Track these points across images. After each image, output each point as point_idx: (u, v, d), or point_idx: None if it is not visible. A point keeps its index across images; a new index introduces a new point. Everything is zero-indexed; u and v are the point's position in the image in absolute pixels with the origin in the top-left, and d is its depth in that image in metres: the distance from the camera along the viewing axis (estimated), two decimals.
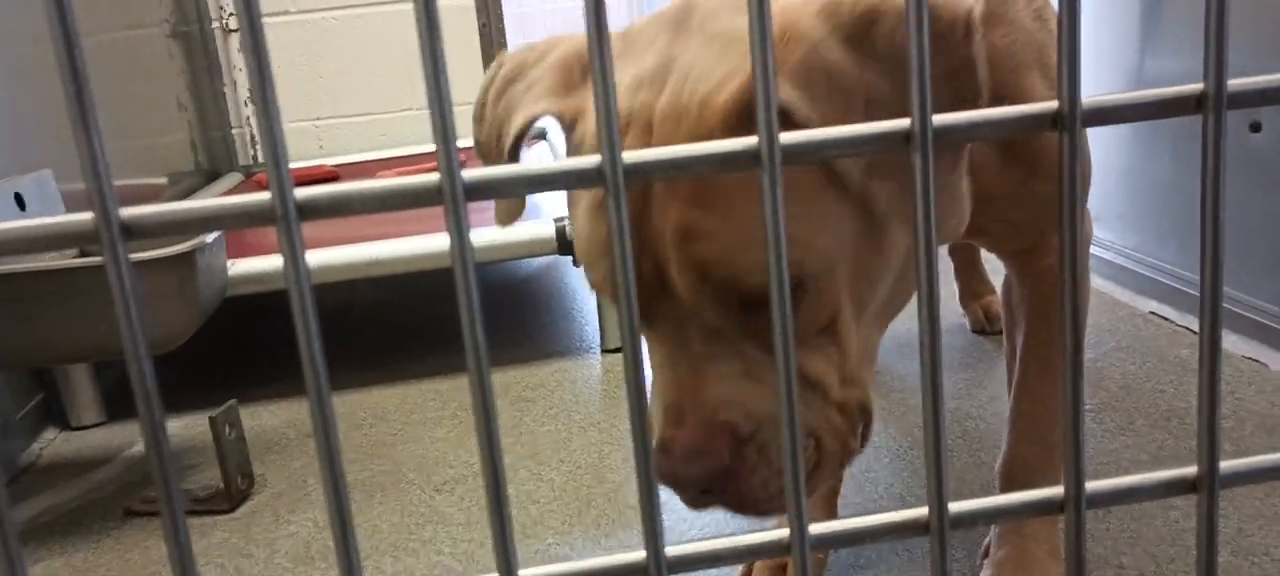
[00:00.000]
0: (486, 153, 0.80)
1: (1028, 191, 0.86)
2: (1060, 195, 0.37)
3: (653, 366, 0.71)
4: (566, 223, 1.79)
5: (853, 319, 0.69)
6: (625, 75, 0.68)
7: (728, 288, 0.64)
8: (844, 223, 0.66)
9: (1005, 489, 1.00)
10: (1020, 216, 0.89)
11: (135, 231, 0.33)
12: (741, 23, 0.67)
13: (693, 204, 0.63)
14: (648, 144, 0.65)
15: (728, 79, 0.63)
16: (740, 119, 0.62)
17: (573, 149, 0.72)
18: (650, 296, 0.67)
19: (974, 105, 0.62)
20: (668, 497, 1.38)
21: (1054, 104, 0.38)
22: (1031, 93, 0.82)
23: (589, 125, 0.70)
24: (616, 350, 1.85)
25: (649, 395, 0.70)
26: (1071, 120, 0.37)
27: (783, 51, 0.62)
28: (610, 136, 0.33)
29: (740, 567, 1.07)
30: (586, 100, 0.71)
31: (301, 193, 0.32)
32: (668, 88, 0.65)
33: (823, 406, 0.68)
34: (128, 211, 0.33)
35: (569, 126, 0.72)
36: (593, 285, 0.73)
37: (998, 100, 0.79)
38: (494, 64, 0.81)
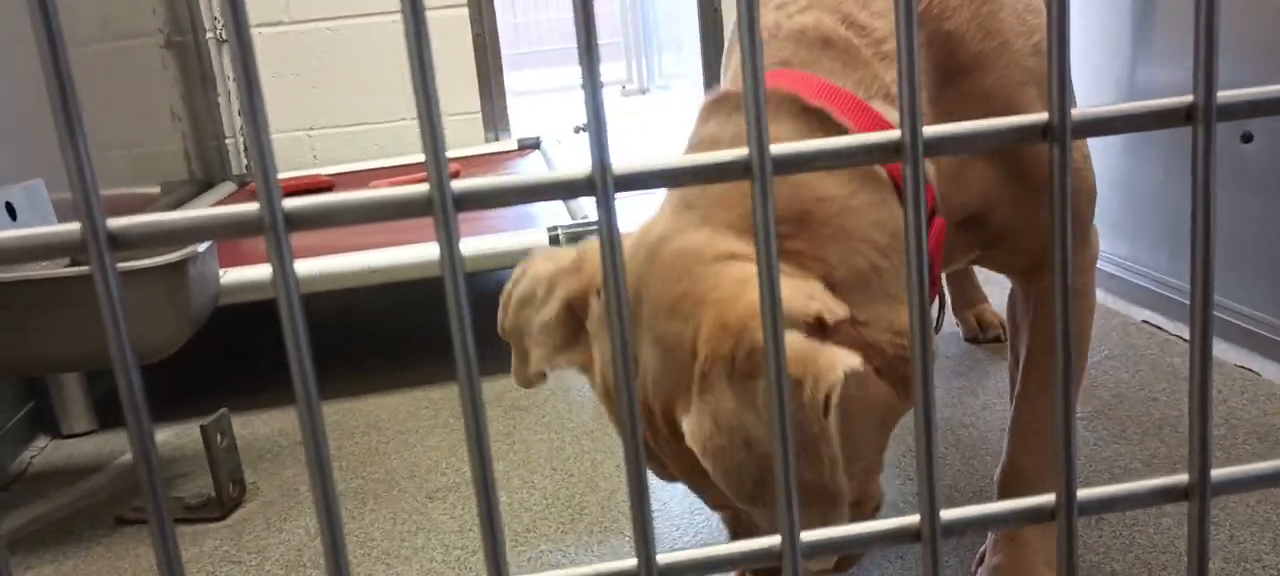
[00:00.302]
0: (508, 339, 0.90)
1: (1030, 213, 0.89)
2: (1052, 205, 0.37)
3: None
4: (559, 232, 1.79)
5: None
6: (608, 341, 0.75)
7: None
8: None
9: (1002, 497, 1.00)
10: (1029, 242, 0.92)
11: (122, 242, 0.33)
12: (664, 330, 0.74)
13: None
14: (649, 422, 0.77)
15: (670, 397, 0.73)
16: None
17: (596, 387, 0.82)
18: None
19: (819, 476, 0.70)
20: (660, 505, 1.37)
21: (1044, 116, 0.38)
22: (1030, 108, 0.84)
23: (604, 364, 0.79)
24: None
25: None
26: (1062, 131, 0.37)
27: (692, 380, 0.71)
28: (601, 149, 0.33)
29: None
30: (594, 346, 0.81)
31: (289, 203, 0.32)
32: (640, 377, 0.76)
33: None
34: (115, 222, 0.33)
35: (585, 369, 0.82)
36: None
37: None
38: (517, 269, 0.88)
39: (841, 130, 0.76)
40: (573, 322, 0.82)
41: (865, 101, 0.79)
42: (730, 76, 0.96)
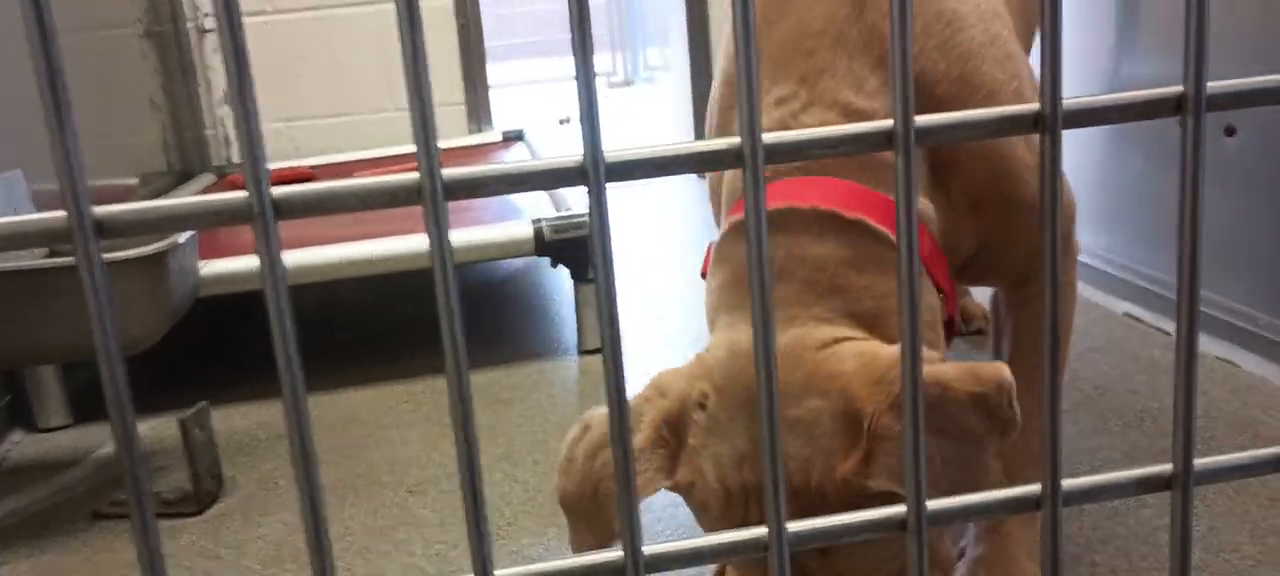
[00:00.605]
0: (573, 506, 0.83)
1: (1013, 233, 0.93)
2: (1042, 194, 0.37)
3: None
4: (544, 224, 1.78)
5: None
6: (724, 448, 0.77)
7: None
8: None
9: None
10: (1007, 256, 0.95)
11: (108, 229, 0.32)
12: (799, 412, 0.76)
13: None
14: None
15: (827, 464, 0.74)
16: (855, 493, 0.74)
17: (696, 507, 0.81)
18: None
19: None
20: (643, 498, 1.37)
21: (1036, 106, 0.38)
22: (1022, 160, 0.91)
23: (707, 482, 0.78)
24: (594, 351, 1.84)
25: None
26: (1053, 121, 0.37)
27: (873, 444, 0.72)
28: (593, 138, 0.32)
29: (713, 567, 1.07)
30: (691, 464, 0.79)
31: (278, 191, 0.32)
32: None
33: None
34: (101, 209, 0.33)
35: (686, 491, 0.80)
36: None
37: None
38: (580, 423, 0.83)
39: (886, 241, 0.82)
40: (668, 444, 0.80)
41: (891, 198, 0.83)
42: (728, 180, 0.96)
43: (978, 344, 1.70)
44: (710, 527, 0.81)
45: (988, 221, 0.91)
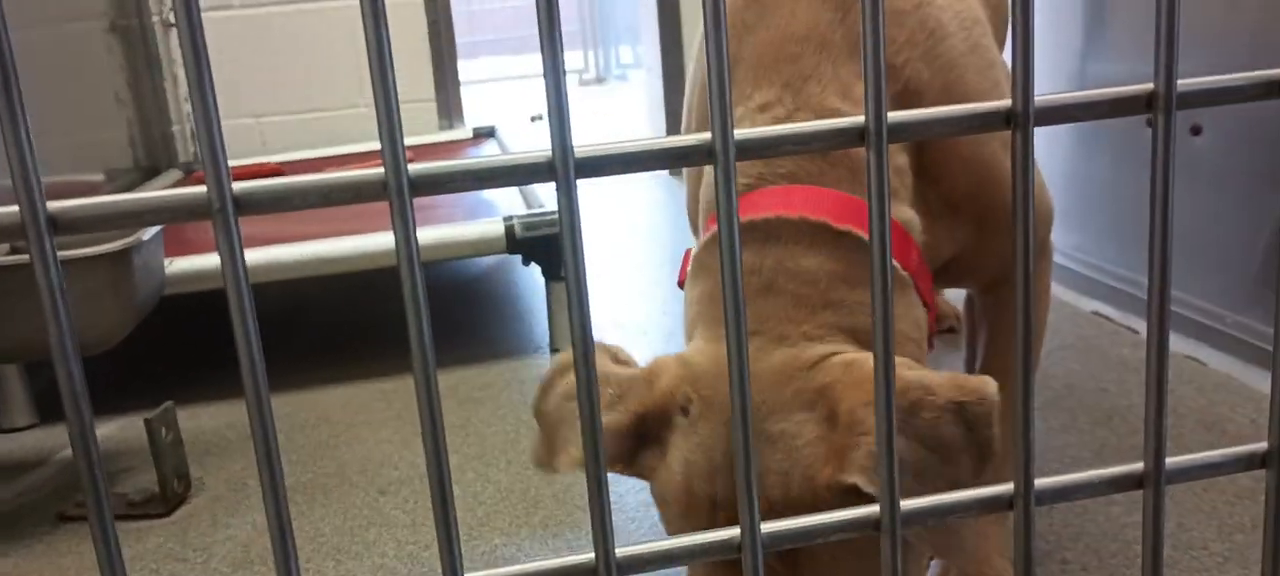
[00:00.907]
0: (543, 423, 0.86)
1: (989, 246, 0.93)
2: (1014, 189, 0.37)
3: None
4: (515, 221, 1.78)
5: None
6: (699, 458, 0.76)
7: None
8: None
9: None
10: (988, 264, 0.96)
11: (63, 225, 0.31)
12: (783, 426, 0.75)
13: None
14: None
15: (806, 475, 0.73)
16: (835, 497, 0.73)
17: (658, 500, 0.81)
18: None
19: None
20: (616, 498, 1.37)
21: (1007, 102, 0.38)
22: (1002, 163, 0.90)
23: (675, 480, 0.77)
24: None
25: None
26: (1025, 118, 0.37)
27: (848, 439, 0.71)
28: (562, 133, 0.32)
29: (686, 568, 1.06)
30: (665, 462, 0.79)
31: (240, 186, 0.31)
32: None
33: None
34: (56, 204, 0.32)
35: (652, 479, 0.80)
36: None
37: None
38: (556, 363, 0.85)
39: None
40: (638, 434, 0.81)
41: None
42: (705, 185, 0.95)
43: (949, 343, 1.71)
44: (670, 527, 0.81)
45: (966, 226, 0.91)
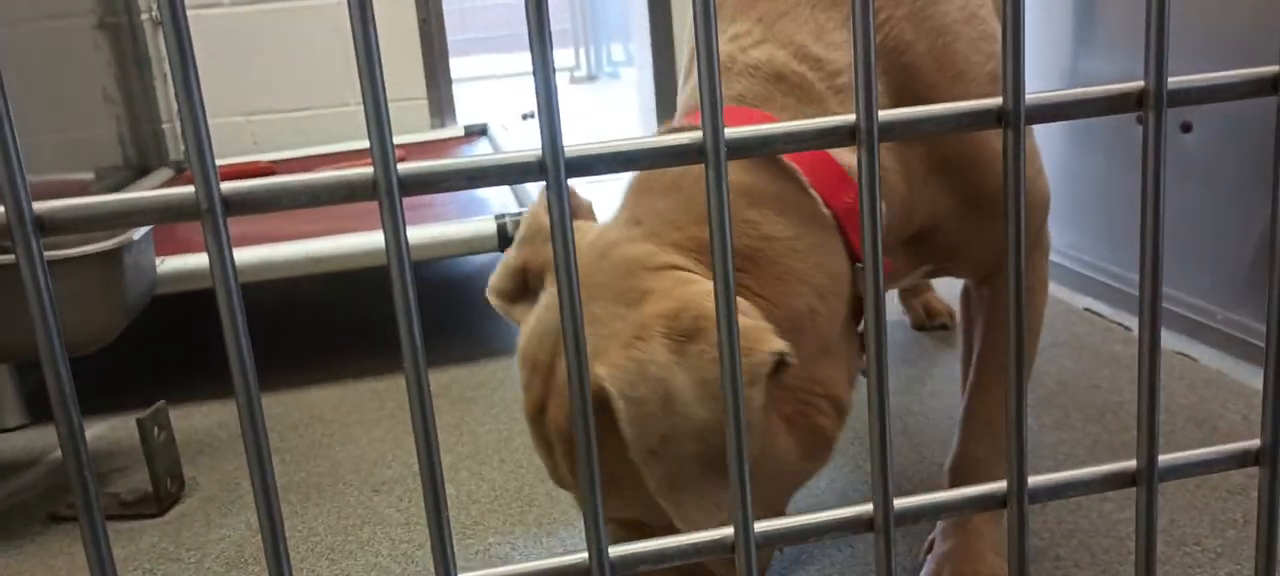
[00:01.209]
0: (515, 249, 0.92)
1: (987, 234, 0.90)
2: (1006, 188, 0.36)
3: None
4: (508, 219, 1.77)
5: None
6: (543, 318, 0.80)
7: None
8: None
9: (953, 485, 1.01)
10: (981, 253, 0.93)
11: (50, 226, 0.31)
12: (597, 310, 0.75)
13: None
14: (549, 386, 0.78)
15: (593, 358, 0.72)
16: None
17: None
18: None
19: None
20: None
21: (997, 100, 0.38)
22: (986, 138, 0.87)
23: (529, 332, 0.81)
24: None
25: None
26: (1016, 116, 0.37)
27: (624, 338, 0.72)
28: (553, 132, 0.32)
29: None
30: (526, 315, 0.85)
31: (228, 186, 0.31)
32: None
33: None
34: (42, 205, 0.31)
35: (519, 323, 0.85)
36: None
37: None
38: (530, 214, 0.92)
39: (796, 181, 0.78)
40: (522, 283, 0.87)
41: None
42: (688, 92, 0.95)
43: (943, 338, 1.71)
44: (523, 381, 0.83)
45: (949, 199, 0.88)
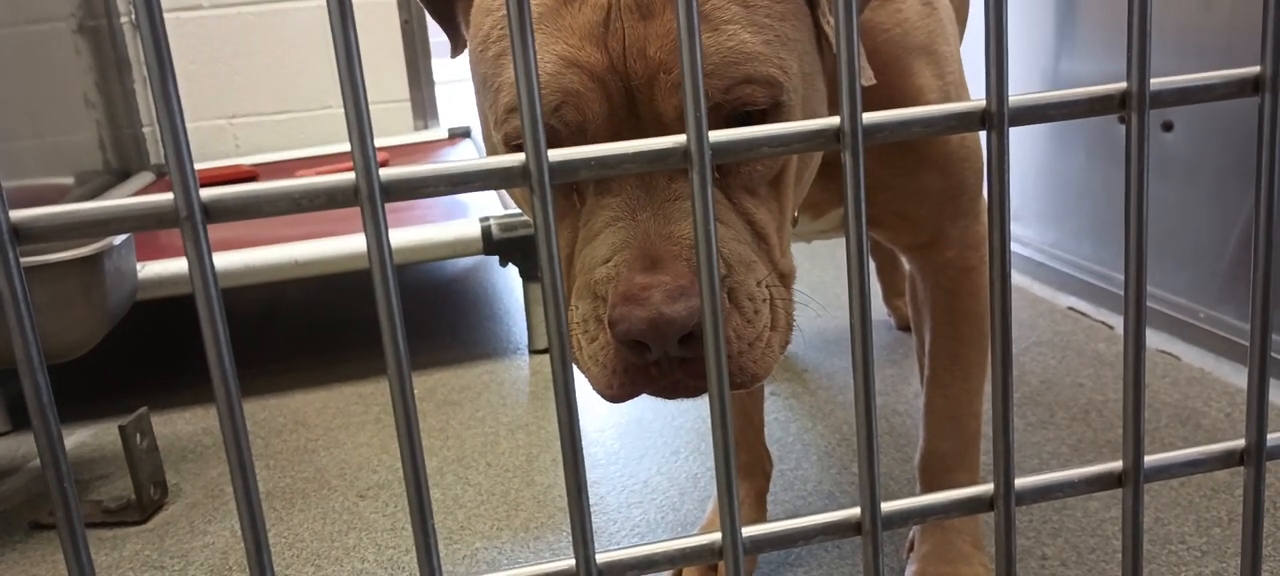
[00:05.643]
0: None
1: (917, 184, 0.86)
2: (991, 195, 0.36)
3: (598, 226, 0.66)
4: (492, 222, 1.77)
5: (792, 177, 0.69)
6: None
7: (716, 107, 0.64)
8: (807, 56, 0.68)
9: (924, 483, 1.01)
10: (911, 209, 0.88)
11: (26, 234, 0.31)
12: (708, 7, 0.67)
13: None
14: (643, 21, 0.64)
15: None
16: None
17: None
18: (615, 132, 0.65)
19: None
20: (597, 499, 1.36)
21: (982, 102, 0.38)
22: (917, 77, 0.83)
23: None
24: (544, 351, 1.83)
25: (593, 262, 0.66)
26: (1000, 119, 0.37)
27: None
28: (536, 138, 0.31)
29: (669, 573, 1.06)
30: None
31: (208, 193, 0.31)
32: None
33: (768, 266, 0.67)
34: (19, 213, 0.31)
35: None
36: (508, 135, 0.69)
37: (884, 86, 0.80)
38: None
39: None
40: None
41: None
42: None
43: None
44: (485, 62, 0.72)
45: (880, 177, 0.84)
